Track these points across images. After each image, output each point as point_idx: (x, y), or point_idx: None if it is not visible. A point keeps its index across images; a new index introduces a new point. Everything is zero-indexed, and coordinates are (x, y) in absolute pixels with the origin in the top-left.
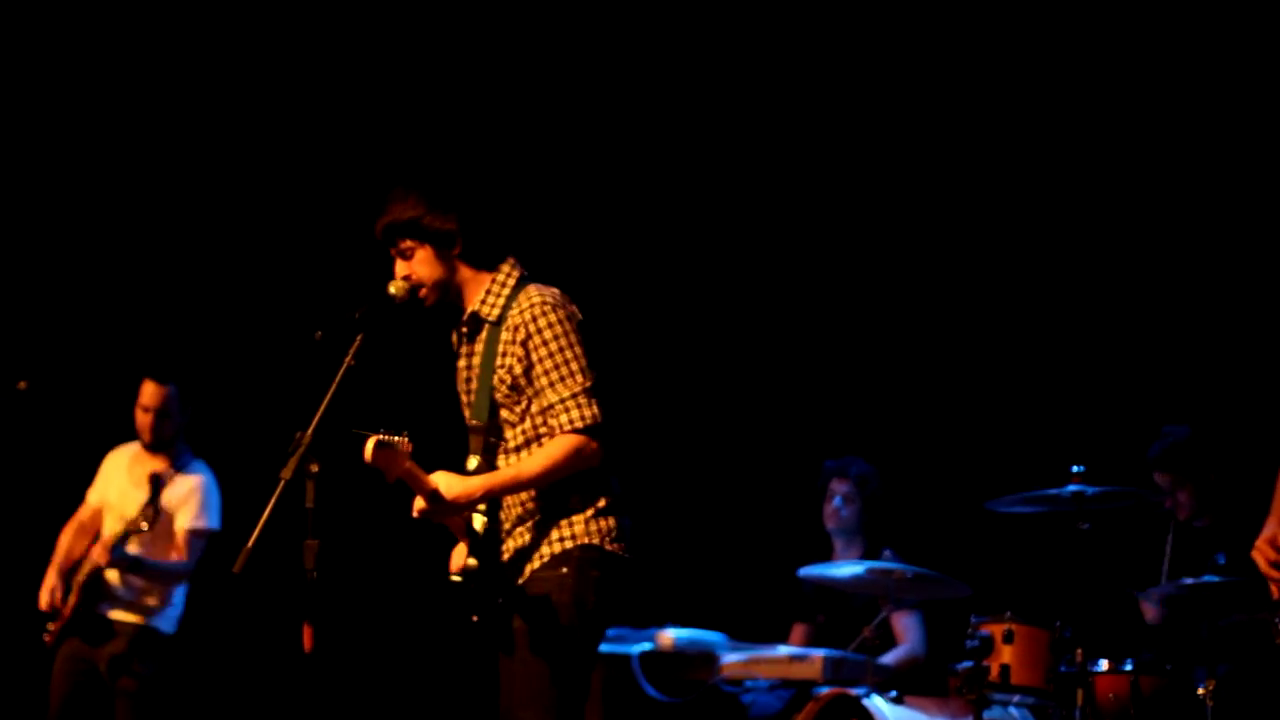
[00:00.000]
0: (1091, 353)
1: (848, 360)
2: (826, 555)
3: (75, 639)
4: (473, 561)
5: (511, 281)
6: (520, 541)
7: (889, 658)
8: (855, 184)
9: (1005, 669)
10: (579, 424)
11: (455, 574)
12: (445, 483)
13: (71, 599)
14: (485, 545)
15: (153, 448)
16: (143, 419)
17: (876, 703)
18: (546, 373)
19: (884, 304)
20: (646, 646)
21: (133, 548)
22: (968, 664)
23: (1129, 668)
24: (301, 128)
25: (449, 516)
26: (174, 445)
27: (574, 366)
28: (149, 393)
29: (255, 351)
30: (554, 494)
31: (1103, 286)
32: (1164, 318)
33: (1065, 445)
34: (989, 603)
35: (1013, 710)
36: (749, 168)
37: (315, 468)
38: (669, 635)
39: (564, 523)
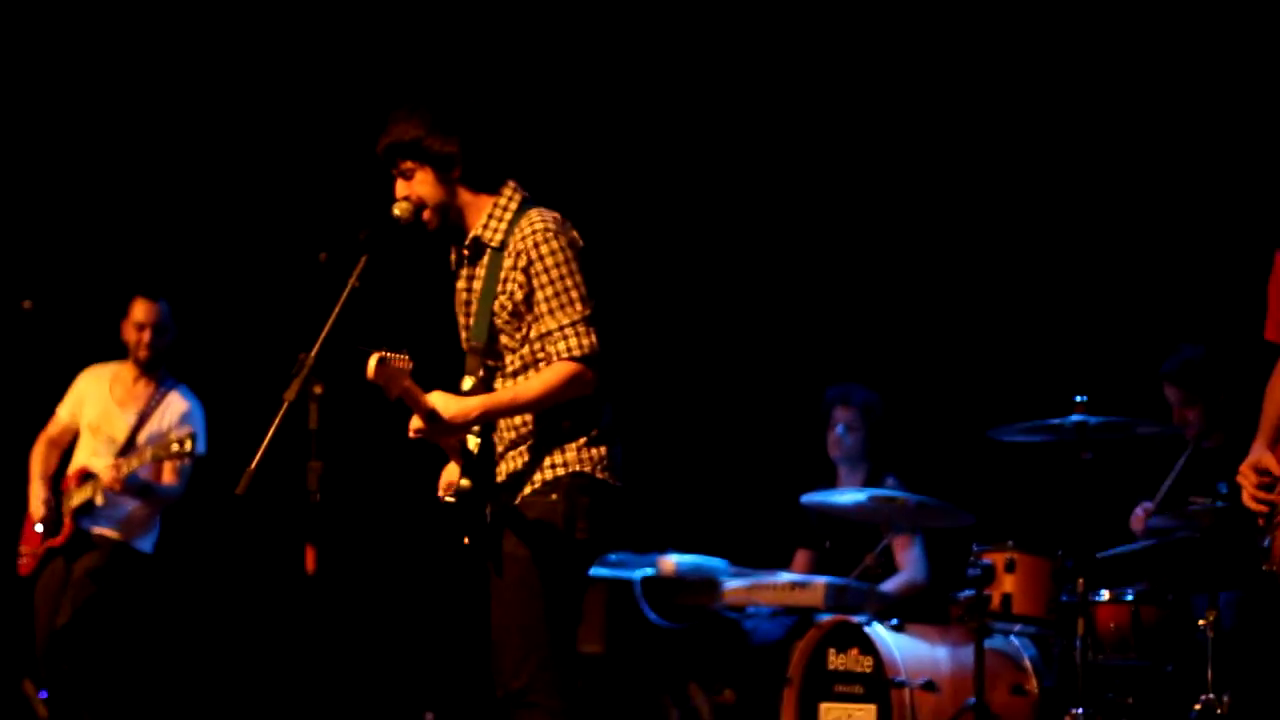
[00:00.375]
0: (1097, 280)
1: (851, 285)
2: (830, 482)
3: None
4: (465, 482)
5: (514, 205)
6: (513, 465)
7: (890, 584)
8: (859, 121)
9: (1007, 598)
10: (576, 352)
11: (447, 494)
12: (442, 403)
13: (66, 525)
14: (478, 466)
15: (148, 366)
16: (138, 336)
17: (878, 631)
18: (546, 299)
19: (888, 230)
20: (648, 572)
21: (140, 472)
22: (969, 592)
23: (1130, 597)
24: (305, 49)
25: (445, 437)
26: (159, 367)
27: (574, 295)
28: (143, 309)
29: (259, 272)
30: (548, 420)
31: (1108, 213)
32: (1171, 245)
33: (1069, 374)
34: (991, 531)
35: (1014, 639)
36: (747, 100)
37: (319, 389)
38: (671, 561)
39: (556, 450)
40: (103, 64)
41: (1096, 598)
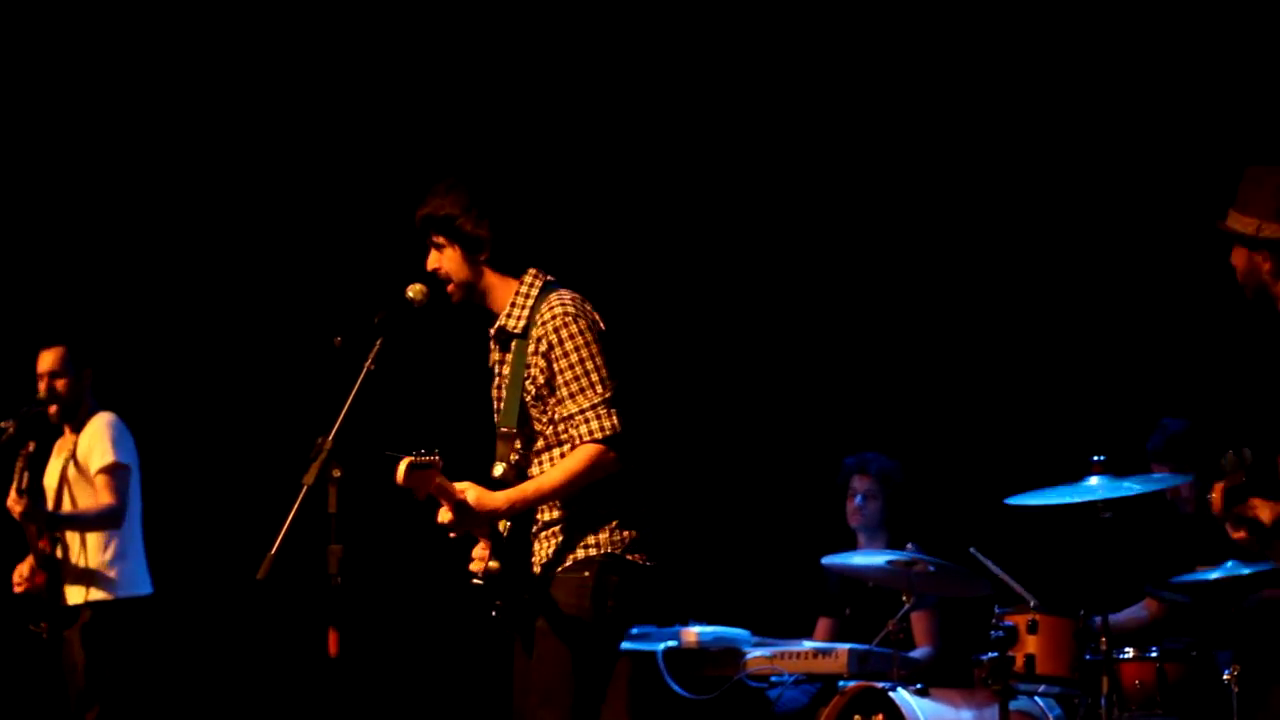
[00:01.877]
0: (1105, 346)
1: (865, 355)
2: (850, 551)
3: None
4: (494, 564)
5: (535, 291)
6: (546, 547)
7: (916, 654)
8: (872, 184)
9: (1030, 659)
10: (598, 434)
11: (477, 576)
12: (473, 496)
13: (38, 577)
14: (509, 549)
15: (63, 416)
16: (41, 386)
17: (903, 695)
18: (567, 383)
19: (900, 300)
20: (671, 643)
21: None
22: (993, 655)
23: (1154, 655)
24: (323, 131)
25: (473, 528)
26: (84, 411)
27: (594, 378)
28: (41, 358)
29: (274, 356)
30: (577, 503)
31: (1118, 280)
32: (1177, 309)
33: (1084, 437)
34: (1012, 594)
35: (1039, 700)
36: (764, 174)
37: (337, 473)
38: (693, 632)
39: (589, 533)
40: (128, 143)
41: (1121, 655)
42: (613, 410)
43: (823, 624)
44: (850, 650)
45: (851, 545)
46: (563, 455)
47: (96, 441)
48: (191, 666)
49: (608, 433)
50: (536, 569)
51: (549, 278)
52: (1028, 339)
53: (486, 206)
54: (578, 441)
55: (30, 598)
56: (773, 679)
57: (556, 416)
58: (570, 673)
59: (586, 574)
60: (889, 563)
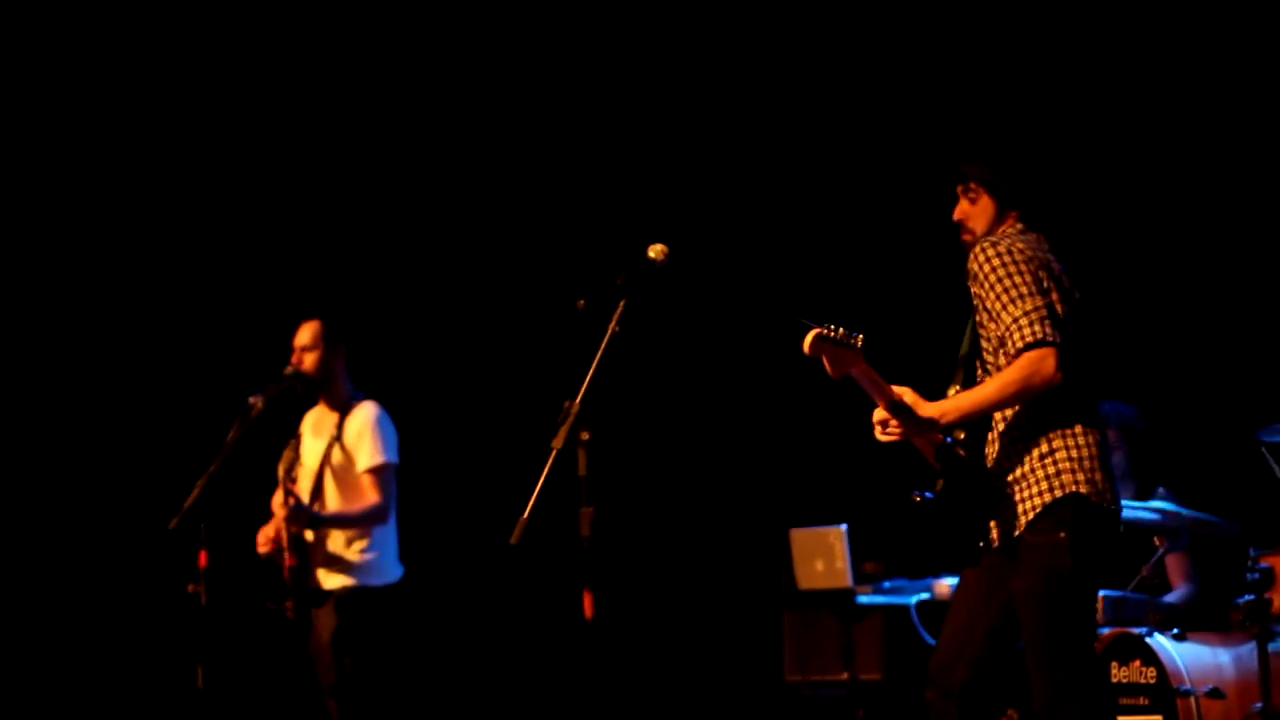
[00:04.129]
0: None
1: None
2: None
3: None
4: (940, 483)
5: (1009, 235)
6: (1006, 471)
7: (1169, 598)
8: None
9: None
10: (1030, 339)
11: (921, 493)
12: (911, 397)
13: (289, 560)
14: (961, 469)
15: (308, 389)
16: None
17: (1160, 641)
18: (995, 301)
19: (1137, 238)
20: (924, 596)
21: (318, 504)
22: (1249, 597)
23: None
24: (556, 98)
25: (911, 434)
26: (340, 389)
27: (1022, 291)
28: (299, 331)
29: (519, 321)
30: (1032, 426)
31: None
32: None
33: None
34: (1267, 535)
35: None
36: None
37: (586, 436)
38: (946, 584)
39: (1049, 462)
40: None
41: None
42: (1046, 320)
43: None
44: (1104, 597)
45: None
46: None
47: (365, 439)
48: (448, 633)
49: (1040, 336)
50: (1000, 504)
51: (1023, 226)
52: (1271, 267)
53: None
54: (1012, 350)
55: (273, 570)
56: None
57: (994, 336)
58: (1058, 630)
59: (1061, 535)
60: (1153, 512)
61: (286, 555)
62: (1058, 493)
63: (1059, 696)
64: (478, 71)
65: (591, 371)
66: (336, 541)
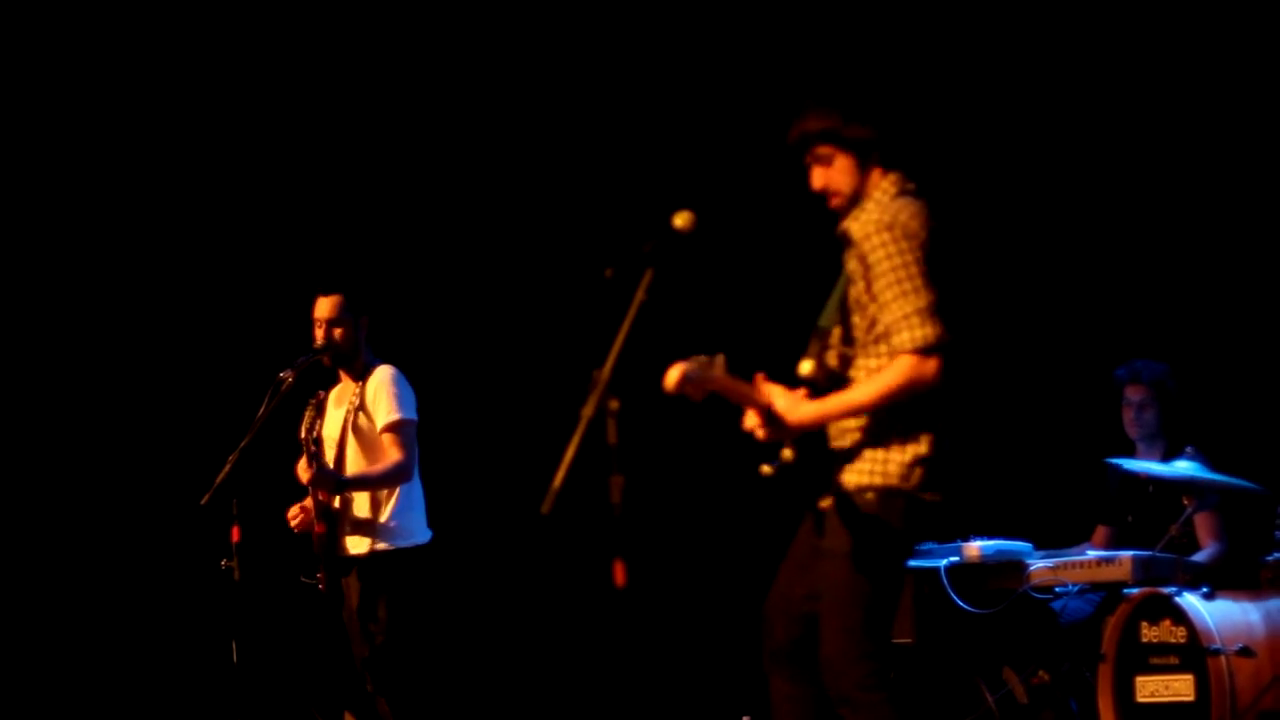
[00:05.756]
0: None
1: (1135, 258)
2: (1129, 459)
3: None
4: (788, 453)
5: (887, 197)
6: (840, 445)
7: (1198, 557)
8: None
9: None
10: (918, 343)
11: (767, 467)
12: (781, 403)
13: (318, 527)
14: (805, 442)
15: (336, 362)
16: (318, 334)
17: (1189, 600)
18: (884, 289)
19: (1168, 201)
20: (954, 559)
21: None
22: (1277, 555)
23: None
24: (577, 75)
25: (783, 439)
26: (360, 359)
27: (917, 283)
28: (318, 305)
29: (546, 291)
30: (883, 417)
31: None
32: None
33: None
34: None
35: None
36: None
37: (615, 404)
38: (975, 547)
39: (887, 455)
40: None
41: None
42: (935, 319)
43: (1101, 531)
44: (1134, 557)
45: (1129, 453)
46: (877, 362)
47: (381, 398)
48: (479, 603)
49: (929, 341)
50: (829, 470)
51: (909, 185)
52: None
53: (866, 111)
54: (897, 347)
55: (306, 543)
56: (1057, 590)
57: (873, 322)
58: (863, 597)
59: (870, 496)
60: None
61: (316, 524)
62: (892, 480)
63: (848, 663)
64: (504, 33)
65: (620, 340)
66: (363, 507)
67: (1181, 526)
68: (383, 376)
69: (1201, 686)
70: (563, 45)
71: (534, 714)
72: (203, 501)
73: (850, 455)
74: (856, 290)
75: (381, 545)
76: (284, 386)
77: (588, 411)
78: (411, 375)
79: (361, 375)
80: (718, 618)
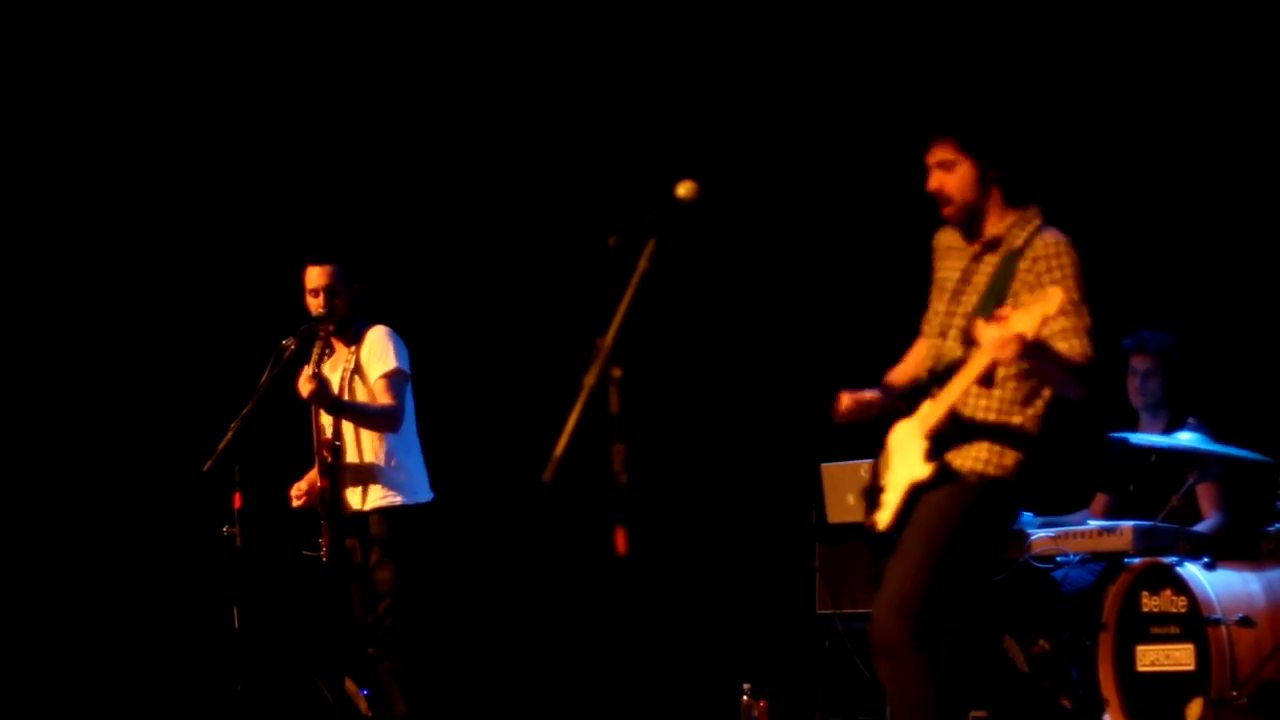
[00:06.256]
0: None
1: (1137, 227)
2: (1131, 428)
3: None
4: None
5: (1037, 221)
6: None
7: (1200, 528)
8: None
9: None
10: (1077, 354)
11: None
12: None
13: (321, 482)
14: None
15: (335, 329)
16: (311, 302)
17: (1190, 570)
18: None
19: (1165, 174)
20: None
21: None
22: (1279, 526)
23: None
24: (562, 55)
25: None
26: (353, 325)
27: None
28: (311, 275)
29: (549, 260)
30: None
31: None
32: None
33: None
34: None
35: None
36: None
37: (617, 372)
38: None
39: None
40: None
41: None
42: (1092, 340)
43: (1100, 500)
44: (1135, 527)
45: (1133, 423)
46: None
47: (376, 351)
48: (481, 570)
49: (1090, 355)
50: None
51: (1041, 221)
52: None
53: (995, 131)
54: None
55: (307, 518)
56: (1058, 559)
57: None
58: (941, 541)
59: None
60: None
61: (319, 479)
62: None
63: (908, 608)
64: (508, 5)
65: (622, 309)
66: (363, 462)
67: (1183, 497)
68: (376, 334)
69: (1202, 656)
70: (566, 12)
71: (536, 683)
72: (205, 468)
73: (972, 436)
74: (1012, 299)
75: (381, 501)
76: (286, 354)
77: (590, 380)
78: (414, 344)
79: (354, 340)
80: (720, 586)
